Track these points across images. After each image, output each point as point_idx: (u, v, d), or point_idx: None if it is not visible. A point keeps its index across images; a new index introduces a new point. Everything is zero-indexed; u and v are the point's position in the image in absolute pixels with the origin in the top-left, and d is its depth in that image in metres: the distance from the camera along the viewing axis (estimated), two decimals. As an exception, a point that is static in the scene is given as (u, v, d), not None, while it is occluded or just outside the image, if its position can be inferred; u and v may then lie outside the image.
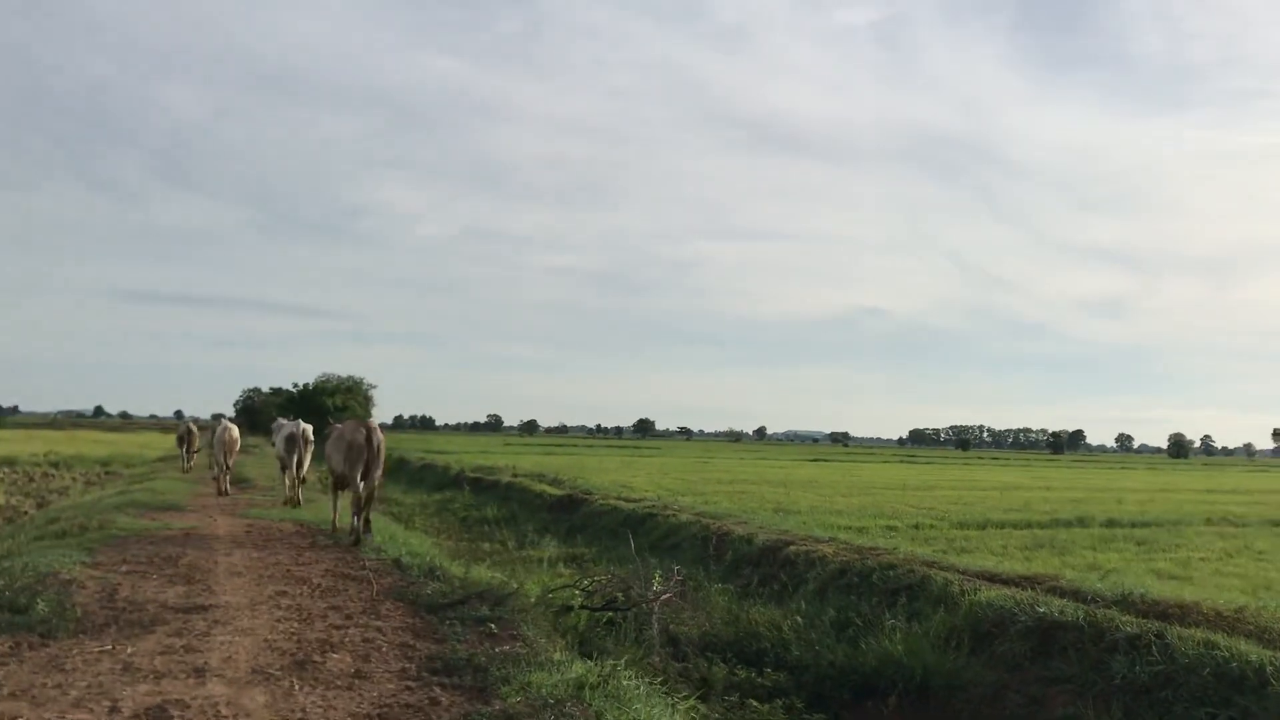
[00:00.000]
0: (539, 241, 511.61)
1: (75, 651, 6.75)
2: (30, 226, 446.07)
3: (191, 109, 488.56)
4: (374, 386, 59.53)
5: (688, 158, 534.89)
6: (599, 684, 6.25)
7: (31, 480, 33.11)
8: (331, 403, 51.56)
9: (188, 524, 15.20)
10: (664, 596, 12.36)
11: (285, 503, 19.92)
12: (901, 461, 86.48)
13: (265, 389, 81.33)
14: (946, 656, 11.05)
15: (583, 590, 12.62)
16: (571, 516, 25.41)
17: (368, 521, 14.67)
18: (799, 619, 12.96)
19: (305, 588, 9.70)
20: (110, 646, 6.90)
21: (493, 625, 8.03)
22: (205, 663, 6.54)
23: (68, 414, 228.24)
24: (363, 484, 14.59)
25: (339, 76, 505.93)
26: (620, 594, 12.58)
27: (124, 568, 10.38)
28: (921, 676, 10.78)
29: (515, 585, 9.71)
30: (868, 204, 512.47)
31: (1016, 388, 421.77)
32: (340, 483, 15.40)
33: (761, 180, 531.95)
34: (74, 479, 34.61)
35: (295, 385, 58.61)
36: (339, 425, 15.97)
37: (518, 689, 6.08)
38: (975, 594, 12.13)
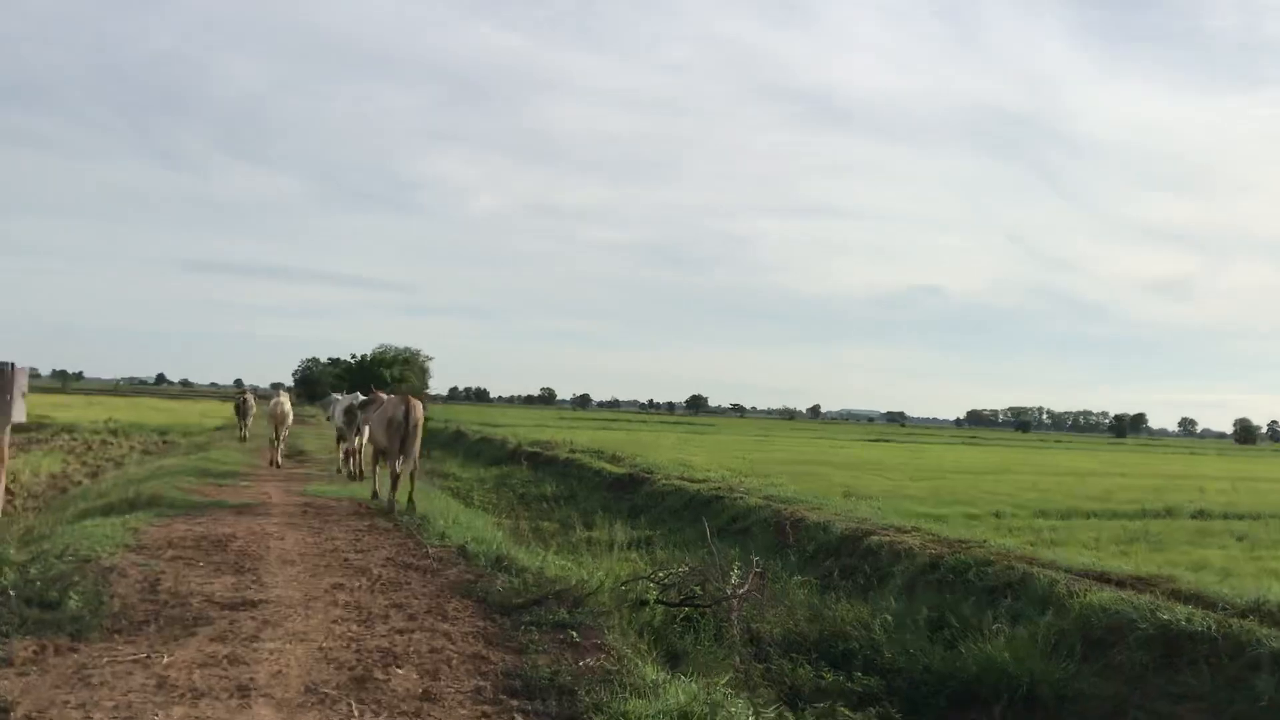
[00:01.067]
0: (594, 216, 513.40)
1: (105, 660, 5.88)
2: (98, 197, 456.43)
3: (253, 81, 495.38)
4: (430, 358, 59.04)
5: (744, 132, 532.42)
6: (705, 715, 5.32)
7: (90, 448, 32.92)
8: (389, 374, 50.98)
9: (241, 501, 14.52)
10: (744, 591, 11.47)
11: (348, 476, 20.38)
12: (964, 443, 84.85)
13: (323, 359, 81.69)
14: (1056, 664, 10.04)
15: (657, 583, 11.70)
16: (633, 496, 24.62)
17: (412, 501, 14.77)
18: (889, 617, 11.98)
19: (364, 580, 8.82)
20: (145, 655, 6.01)
21: (574, 632, 7.08)
22: (251, 678, 5.62)
23: (131, 381, 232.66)
24: (401, 458, 14.99)
25: (398, 50, 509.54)
26: (697, 587, 11.67)
27: (169, 552, 9.58)
28: (1029, 686, 9.81)
29: (594, 583, 8.78)
30: (927, 181, 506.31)
31: (1076, 369, 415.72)
32: (382, 454, 15.96)
33: (819, 155, 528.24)
34: (131, 447, 34.43)
35: (353, 356, 58.26)
36: (383, 398, 16.72)
37: (613, 720, 5.16)
38: (1085, 596, 11.11)
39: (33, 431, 38.20)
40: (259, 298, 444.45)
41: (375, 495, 15.90)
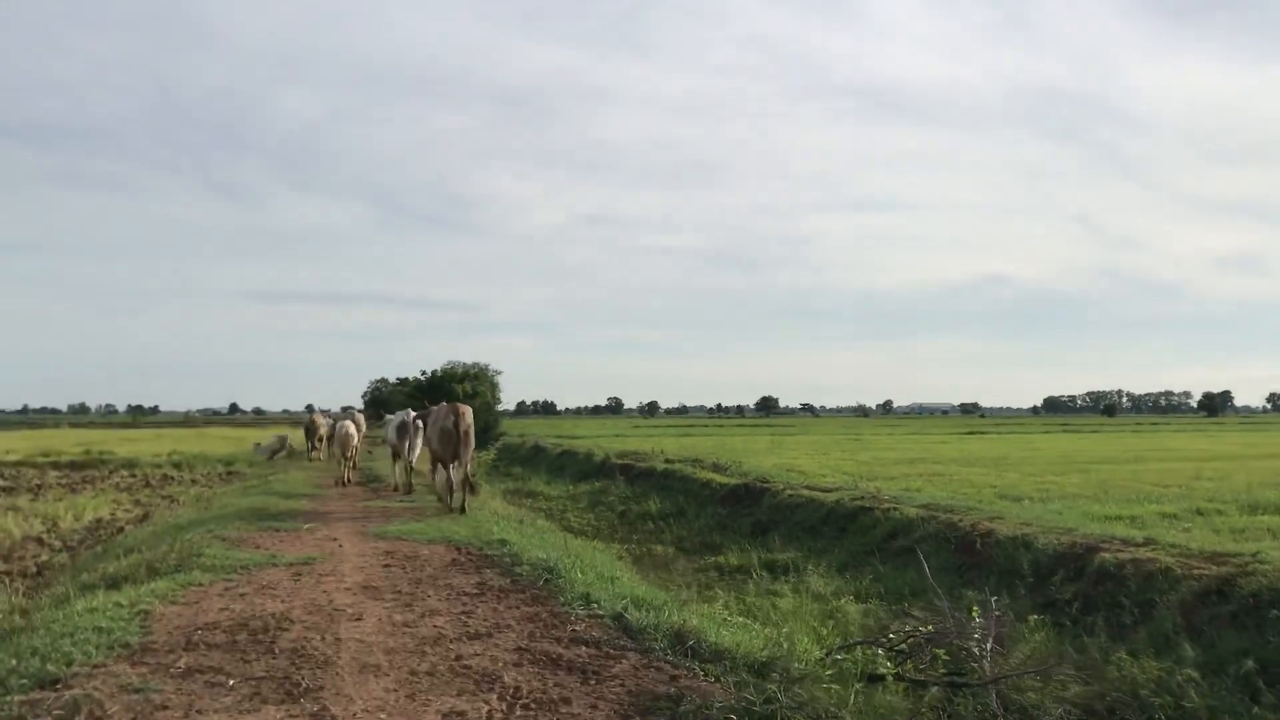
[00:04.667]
0: (652, 223, 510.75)
1: None
2: (163, 234, 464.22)
3: (308, 110, 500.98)
4: (499, 372, 56.16)
5: (797, 131, 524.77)
6: None
7: (148, 484, 30.16)
8: (460, 389, 48.32)
9: (302, 554, 10.93)
10: (993, 646, 8.00)
11: (394, 489, 20.76)
12: (1062, 431, 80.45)
13: (392, 380, 79.69)
14: None
15: (887, 648, 8.22)
16: (754, 510, 21.17)
17: (464, 508, 15.60)
18: (1191, 673, 8.42)
19: (493, 697, 5.39)
20: None
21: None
22: None
23: (204, 412, 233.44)
24: (455, 463, 16.01)
25: (447, 71, 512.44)
26: (940, 651, 8.16)
27: (184, 658, 6.17)
28: None
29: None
30: (986, 168, 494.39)
31: (1152, 350, 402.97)
32: (437, 460, 16.83)
33: (874, 150, 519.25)
34: (193, 480, 31.63)
35: (423, 373, 55.60)
36: (434, 409, 17.32)
37: None
38: None
39: (90, 469, 35.68)
40: (326, 324, 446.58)
41: (440, 499, 16.93)
